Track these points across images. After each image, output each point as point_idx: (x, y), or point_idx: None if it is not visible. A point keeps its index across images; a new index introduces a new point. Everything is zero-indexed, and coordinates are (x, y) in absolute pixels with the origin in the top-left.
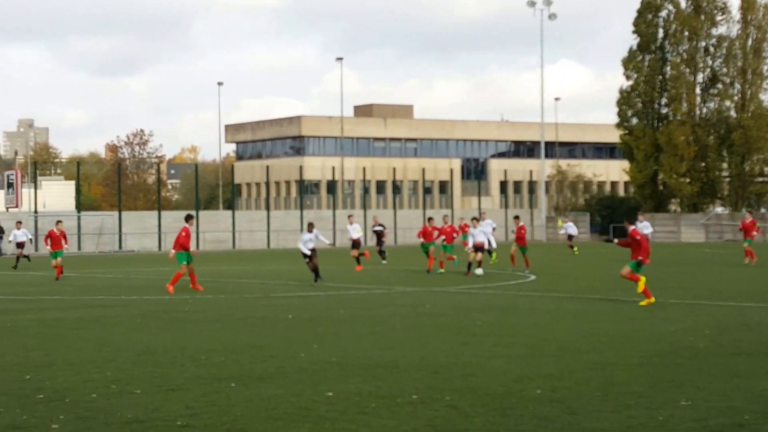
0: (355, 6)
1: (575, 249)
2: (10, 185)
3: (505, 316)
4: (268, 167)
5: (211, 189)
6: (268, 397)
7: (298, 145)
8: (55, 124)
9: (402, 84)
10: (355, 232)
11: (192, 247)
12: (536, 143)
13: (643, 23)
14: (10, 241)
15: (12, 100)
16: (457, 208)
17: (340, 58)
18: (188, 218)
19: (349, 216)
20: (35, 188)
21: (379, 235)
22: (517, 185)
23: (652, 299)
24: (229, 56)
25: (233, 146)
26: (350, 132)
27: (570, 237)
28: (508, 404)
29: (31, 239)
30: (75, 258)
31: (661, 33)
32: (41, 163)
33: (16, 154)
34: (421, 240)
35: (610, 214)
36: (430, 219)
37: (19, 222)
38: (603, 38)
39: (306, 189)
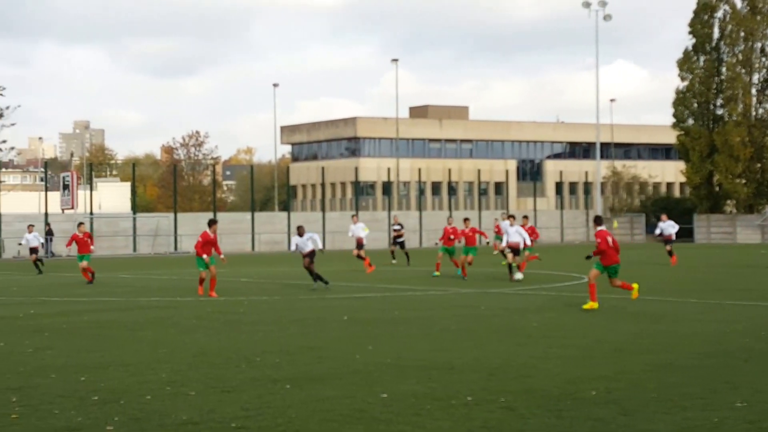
0: (411, 7)
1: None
2: (65, 187)
3: (560, 318)
4: (323, 168)
5: (266, 190)
6: (322, 398)
7: (353, 147)
8: (111, 125)
9: (458, 85)
10: (360, 231)
11: (211, 254)
12: (592, 144)
13: (699, 24)
14: (20, 244)
15: (68, 101)
16: (513, 209)
17: (395, 60)
18: (211, 223)
19: (353, 216)
20: (91, 190)
21: (396, 235)
22: (573, 186)
23: (596, 304)
24: (285, 57)
25: (288, 147)
26: (405, 133)
27: None
28: (564, 406)
29: (42, 243)
30: (130, 259)
31: (716, 34)
32: (97, 164)
33: (72, 155)
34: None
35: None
36: (466, 219)
37: (31, 225)
38: (658, 39)
39: (361, 190)
